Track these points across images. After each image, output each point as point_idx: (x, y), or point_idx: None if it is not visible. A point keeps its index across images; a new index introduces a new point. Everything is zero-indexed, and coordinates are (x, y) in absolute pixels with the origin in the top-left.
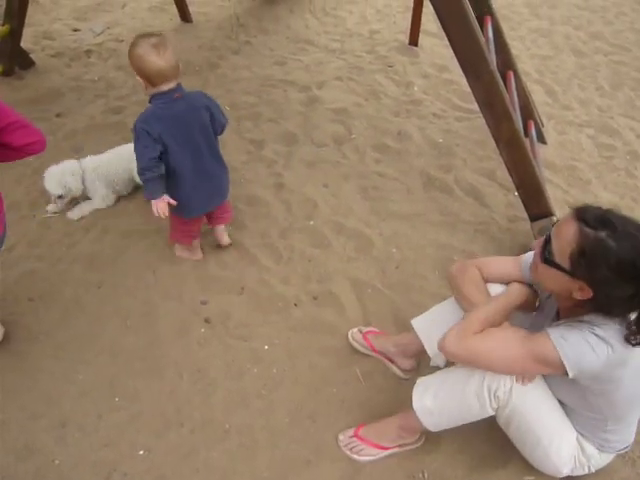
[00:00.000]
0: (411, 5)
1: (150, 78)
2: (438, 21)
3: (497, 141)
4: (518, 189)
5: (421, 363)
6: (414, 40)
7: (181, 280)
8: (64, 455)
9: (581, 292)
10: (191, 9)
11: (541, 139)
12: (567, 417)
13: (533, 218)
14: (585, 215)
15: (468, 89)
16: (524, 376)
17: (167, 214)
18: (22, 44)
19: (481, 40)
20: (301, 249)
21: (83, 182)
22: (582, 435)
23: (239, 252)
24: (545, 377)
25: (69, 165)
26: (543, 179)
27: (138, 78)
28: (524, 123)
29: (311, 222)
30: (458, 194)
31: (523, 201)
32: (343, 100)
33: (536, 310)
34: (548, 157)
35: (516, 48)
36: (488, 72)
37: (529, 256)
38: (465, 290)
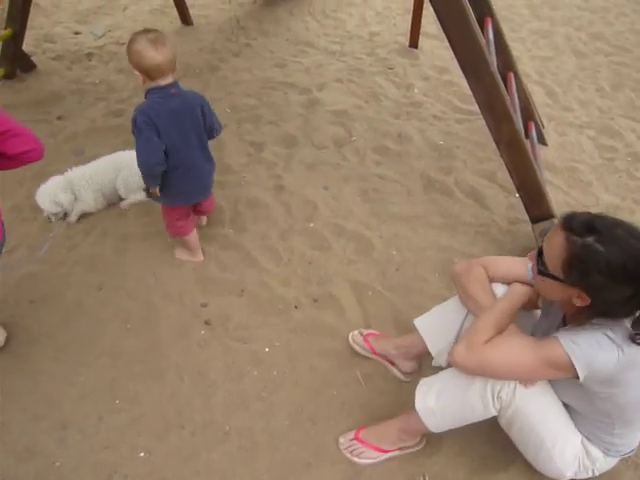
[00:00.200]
0: (411, 7)
1: (148, 72)
2: (438, 23)
3: (498, 143)
4: (519, 191)
5: (422, 365)
6: (414, 42)
7: (181, 282)
8: (65, 457)
9: (580, 299)
10: (191, 12)
11: (542, 140)
12: (573, 420)
13: (534, 220)
14: (571, 223)
15: (468, 91)
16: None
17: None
18: (24, 47)
19: (481, 42)
20: (301, 251)
21: (74, 195)
22: (587, 438)
23: (239, 254)
24: (551, 381)
25: (57, 181)
26: (544, 181)
27: (137, 73)
28: (525, 125)
29: (311, 224)
30: (458, 196)
31: (524, 203)
32: (343, 102)
33: (539, 307)
34: (549, 158)
35: (516, 49)
36: (489, 74)
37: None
38: (470, 289)
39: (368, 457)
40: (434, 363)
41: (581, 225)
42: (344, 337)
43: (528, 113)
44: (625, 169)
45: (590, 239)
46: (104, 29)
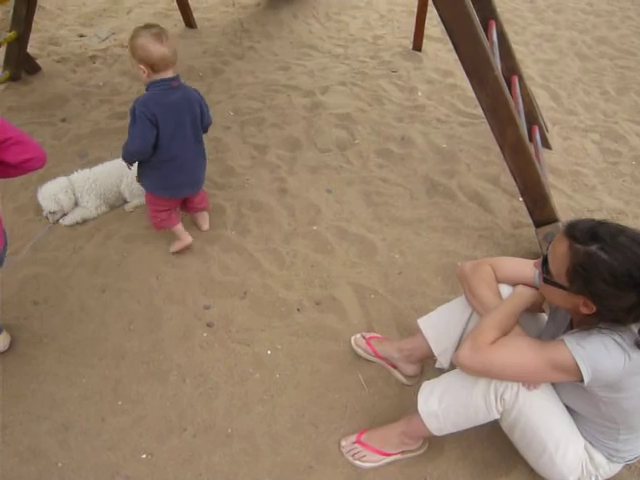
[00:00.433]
0: (415, 10)
1: (154, 65)
2: (442, 26)
3: (501, 146)
4: (522, 195)
5: (424, 369)
6: (418, 45)
7: (184, 284)
8: (67, 458)
9: (586, 307)
10: (195, 15)
11: (546, 144)
12: (576, 424)
13: (538, 224)
14: (574, 231)
15: (472, 94)
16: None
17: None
18: (29, 50)
19: (486, 45)
20: (304, 254)
21: (74, 197)
22: (591, 443)
23: (242, 257)
24: (556, 385)
25: (60, 182)
26: (547, 185)
27: (141, 66)
28: (528, 128)
29: (314, 227)
30: (462, 199)
31: (527, 207)
32: (347, 105)
33: (544, 311)
34: (553, 162)
35: (521, 53)
36: (493, 77)
37: None
38: (476, 289)
39: (370, 461)
40: (437, 365)
41: (584, 233)
42: (346, 340)
43: (532, 117)
44: (629, 173)
45: (593, 247)
46: (108, 32)
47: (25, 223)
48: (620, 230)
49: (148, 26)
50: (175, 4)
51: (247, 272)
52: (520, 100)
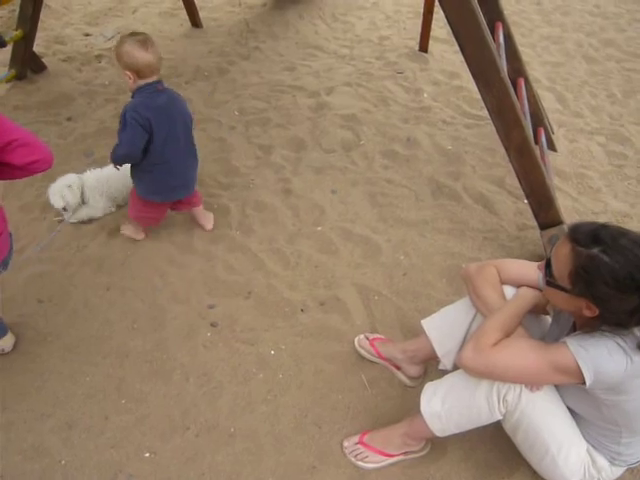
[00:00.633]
0: (421, 11)
1: (139, 71)
2: (449, 27)
3: (507, 148)
4: (528, 197)
5: (428, 371)
6: (424, 46)
7: (188, 284)
8: (70, 456)
9: (588, 310)
10: (201, 14)
11: (551, 146)
12: (579, 427)
13: (542, 226)
14: (576, 234)
15: (478, 96)
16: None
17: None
18: (34, 49)
19: (492, 47)
20: (308, 255)
21: (82, 196)
22: (593, 446)
23: (246, 256)
24: (559, 387)
25: (69, 179)
26: (553, 187)
27: (127, 73)
28: (534, 130)
29: (319, 228)
30: (467, 201)
31: (532, 209)
32: (352, 106)
33: (548, 313)
34: (558, 165)
35: (527, 55)
36: (499, 79)
37: None
38: (480, 290)
39: (372, 461)
40: (440, 366)
41: (586, 236)
42: (350, 341)
43: (538, 119)
44: (635, 176)
45: (595, 250)
46: (114, 31)
47: (30, 222)
48: (622, 233)
49: (134, 34)
50: (181, 3)
51: (251, 272)
52: (526, 102)
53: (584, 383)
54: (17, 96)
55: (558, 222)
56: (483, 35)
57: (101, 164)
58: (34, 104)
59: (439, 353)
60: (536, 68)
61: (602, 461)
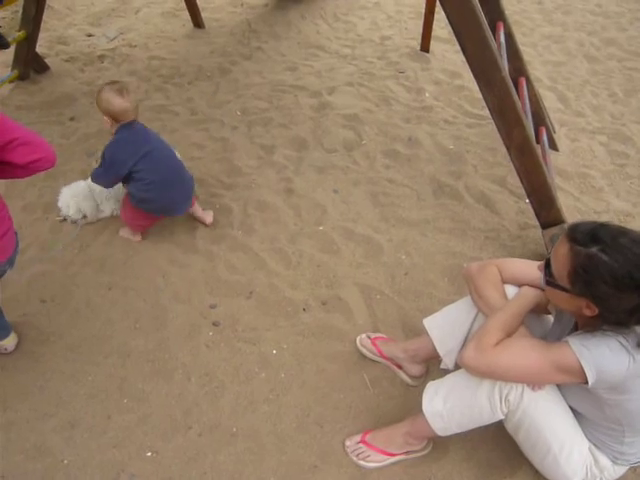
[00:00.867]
0: (422, 11)
1: (116, 116)
2: (450, 27)
3: (508, 148)
4: (529, 196)
5: (429, 370)
6: (425, 46)
7: (190, 283)
8: (73, 455)
9: (588, 309)
10: (203, 15)
11: (553, 146)
12: (581, 426)
13: (544, 225)
14: (575, 233)
15: (479, 95)
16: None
17: None
18: (37, 49)
19: (493, 46)
20: (310, 254)
21: (96, 202)
22: (596, 446)
23: (248, 256)
24: (561, 387)
25: (81, 187)
26: (554, 186)
27: (105, 118)
28: (536, 130)
29: (320, 227)
30: (468, 201)
31: (534, 208)
32: (354, 106)
33: (549, 312)
34: (560, 164)
35: (528, 54)
36: (500, 78)
37: None
38: (482, 289)
39: (374, 460)
40: (442, 365)
41: (585, 235)
42: (352, 340)
43: (539, 118)
44: (637, 175)
45: (594, 249)
46: (117, 32)
47: (33, 222)
48: (621, 232)
49: (112, 82)
50: (183, 4)
51: (253, 272)
52: (527, 101)
53: (586, 382)
54: (20, 96)
55: (560, 221)
56: (484, 35)
57: None
58: (37, 104)
59: (441, 352)
60: (537, 67)
61: (604, 460)
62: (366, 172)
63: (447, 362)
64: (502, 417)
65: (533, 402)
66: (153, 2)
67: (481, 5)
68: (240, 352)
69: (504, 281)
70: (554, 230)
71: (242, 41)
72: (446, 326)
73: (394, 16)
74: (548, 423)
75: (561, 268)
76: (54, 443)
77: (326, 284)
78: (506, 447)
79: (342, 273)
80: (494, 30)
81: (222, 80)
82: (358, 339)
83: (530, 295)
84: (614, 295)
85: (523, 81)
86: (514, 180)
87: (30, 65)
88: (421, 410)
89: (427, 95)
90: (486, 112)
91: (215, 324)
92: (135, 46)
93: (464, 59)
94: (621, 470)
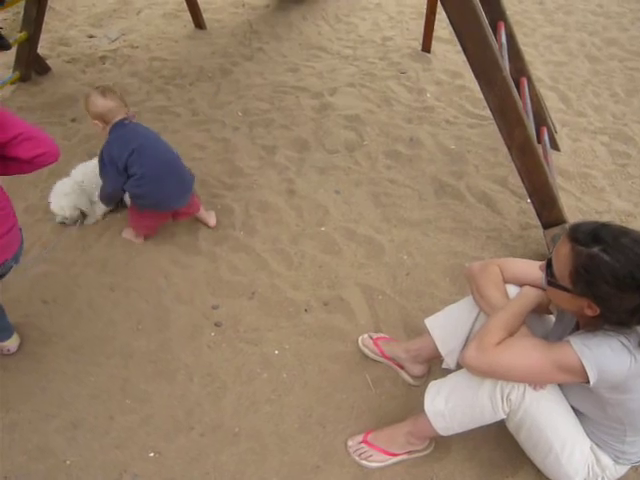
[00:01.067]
0: (424, 12)
1: (103, 117)
2: (451, 27)
3: (509, 148)
4: (531, 196)
5: (431, 370)
6: (427, 47)
7: (192, 284)
8: (75, 456)
9: (590, 309)
10: (205, 16)
11: (554, 146)
12: (583, 426)
13: (546, 225)
14: (577, 233)
15: (480, 95)
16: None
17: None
18: (39, 50)
19: (494, 46)
20: (312, 255)
21: (88, 197)
22: (598, 445)
23: (250, 257)
24: (563, 387)
25: (68, 187)
26: (556, 186)
27: (95, 122)
28: (537, 130)
29: (322, 228)
30: (470, 201)
31: (535, 208)
32: (355, 106)
33: (551, 312)
34: (561, 164)
35: (530, 54)
36: (501, 78)
37: None
38: (483, 289)
39: (376, 460)
40: (444, 365)
41: (586, 235)
42: (354, 341)
43: (541, 118)
44: (638, 175)
45: (595, 249)
46: (118, 33)
47: (35, 223)
48: (623, 232)
49: (97, 87)
50: (185, 5)
51: (255, 272)
52: (528, 101)
53: (588, 382)
54: (21, 98)
55: (561, 221)
56: (485, 35)
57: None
58: (38, 105)
59: (442, 352)
60: (539, 67)
61: (606, 460)
62: (368, 173)
63: (449, 362)
64: (504, 417)
65: (535, 402)
66: (154, 3)
67: (482, 5)
68: (242, 353)
69: (506, 281)
70: (555, 230)
71: (243, 42)
72: (448, 326)
73: (395, 17)
74: (550, 422)
75: (562, 268)
76: (57, 444)
77: (328, 284)
78: (508, 447)
79: (344, 273)
80: (495, 30)
81: (223, 81)
82: (360, 339)
83: (531, 295)
84: (615, 295)
85: (524, 81)
86: (515, 180)
87: (31, 66)
88: (423, 410)
89: (428, 95)
90: (487, 112)
91: (217, 325)
92: (136, 47)
93: (465, 59)
94: (623, 469)
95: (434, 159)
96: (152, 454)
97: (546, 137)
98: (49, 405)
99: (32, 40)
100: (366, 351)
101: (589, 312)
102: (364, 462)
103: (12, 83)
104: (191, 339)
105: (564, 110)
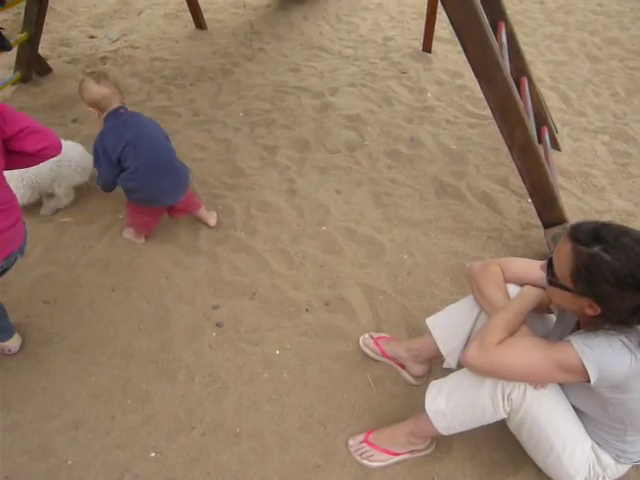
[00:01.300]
0: (425, 12)
1: (98, 104)
2: (451, 27)
3: (510, 147)
4: (531, 196)
5: (432, 369)
6: (427, 47)
7: (194, 285)
8: (77, 456)
9: (591, 309)
10: (206, 16)
11: (555, 146)
12: (584, 425)
13: (546, 225)
14: (577, 233)
15: (481, 95)
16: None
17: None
18: (40, 51)
19: (495, 46)
20: (313, 255)
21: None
22: (598, 444)
23: (251, 257)
24: (564, 386)
25: (14, 177)
26: (556, 186)
27: (90, 109)
28: (538, 129)
29: (323, 228)
30: (471, 201)
31: (536, 208)
32: (356, 106)
33: (552, 312)
34: (562, 164)
35: (530, 54)
36: (501, 78)
37: None
38: (484, 288)
39: (377, 460)
40: (445, 365)
41: (587, 234)
42: (355, 340)
43: (541, 118)
44: (639, 174)
45: (596, 248)
46: (119, 33)
47: (36, 224)
48: (624, 231)
49: (90, 73)
50: (185, 5)
51: (256, 272)
52: (529, 101)
53: (589, 381)
54: (22, 98)
55: (562, 221)
56: (485, 35)
57: None
58: (39, 106)
59: (443, 351)
60: (539, 67)
61: (607, 459)
62: (368, 172)
63: (450, 361)
64: (505, 416)
65: (536, 401)
66: (155, 3)
67: (482, 5)
68: (243, 353)
69: (506, 280)
70: (556, 230)
71: (244, 42)
72: (449, 325)
73: (396, 17)
74: (551, 422)
75: (563, 267)
76: (58, 444)
77: (329, 284)
78: (509, 446)
79: (345, 273)
80: (496, 30)
81: (224, 81)
82: (361, 339)
83: (532, 294)
84: (616, 294)
85: (525, 81)
86: (516, 180)
87: (32, 67)
88: (424, 409)
89: (429, 95)
90: (488, 112)
91: (218, 325)
92: (137, 47)
93: (466, 59)
94: (624, 469)
95: (435, 159)
96: (153, 454)
97: (547, 137)
98: (50, 405)
99: (33, 41)
100: (367, 351)
101: (590, 311)
102: (365, 462)
103: (13, 84)
104: (192, 339)
105: (565, 110)
